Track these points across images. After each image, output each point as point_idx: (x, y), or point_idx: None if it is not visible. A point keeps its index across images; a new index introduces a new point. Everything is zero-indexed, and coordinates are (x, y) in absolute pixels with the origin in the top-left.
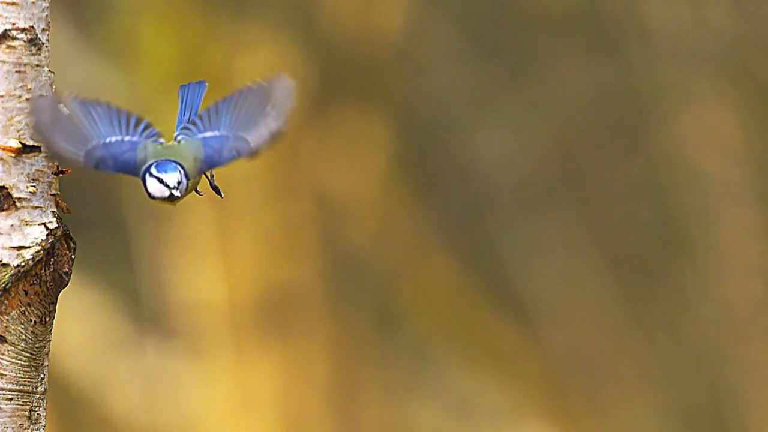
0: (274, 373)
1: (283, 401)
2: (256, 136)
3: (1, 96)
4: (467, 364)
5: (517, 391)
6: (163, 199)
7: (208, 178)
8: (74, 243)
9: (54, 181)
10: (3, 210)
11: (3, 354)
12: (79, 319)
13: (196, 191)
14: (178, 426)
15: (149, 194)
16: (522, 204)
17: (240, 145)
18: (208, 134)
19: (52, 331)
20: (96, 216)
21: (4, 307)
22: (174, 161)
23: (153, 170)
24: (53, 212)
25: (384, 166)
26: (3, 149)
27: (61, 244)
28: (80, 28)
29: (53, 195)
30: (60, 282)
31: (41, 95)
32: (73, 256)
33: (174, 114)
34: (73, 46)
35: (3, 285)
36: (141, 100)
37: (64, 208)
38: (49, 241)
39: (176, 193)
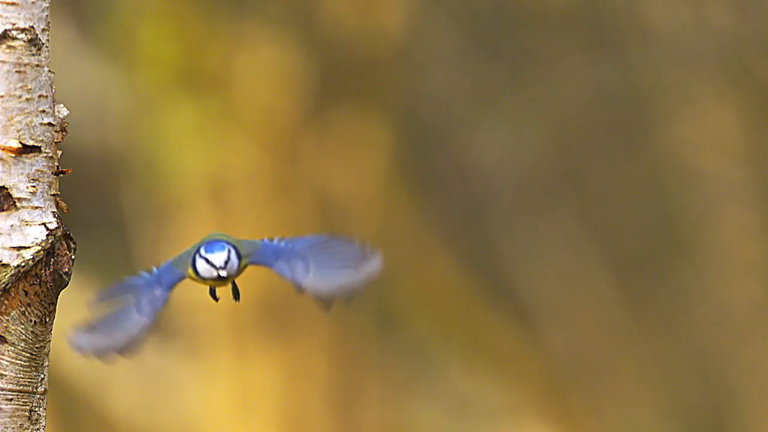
0: (274, 373)
1: (283, 401)
2: (316, 281)
3: (1, 96)
4: (467, 364)
5: (517, 391)
6: (213, 279)
7: (233, 282)
8: (74, 243)
9: (54, 181)
10: (3, 210)
11: (3, 354)
12: (79, 319)
13: (213, 296)
14: (178, 426)
15: (199, 275)
16: (522, 204)
17: (296, 271)
18: (274, 244)
19: (52, 332)
20: (96, 216)
21: (4, 307)
22: (224, 241)
23: (202, 251)
24: (53, 212)
25: (384, 166)
26: (3, 149)
27: (61, 245)
28: (80, 28)
29: (53, 195)
30: (60, 282)
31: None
32: (73, 257)
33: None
34: (73, 46)
35: (3, 285)
36: (141, 100)
37: (64, 208)
38: (49, 241)
39: (223, 273)
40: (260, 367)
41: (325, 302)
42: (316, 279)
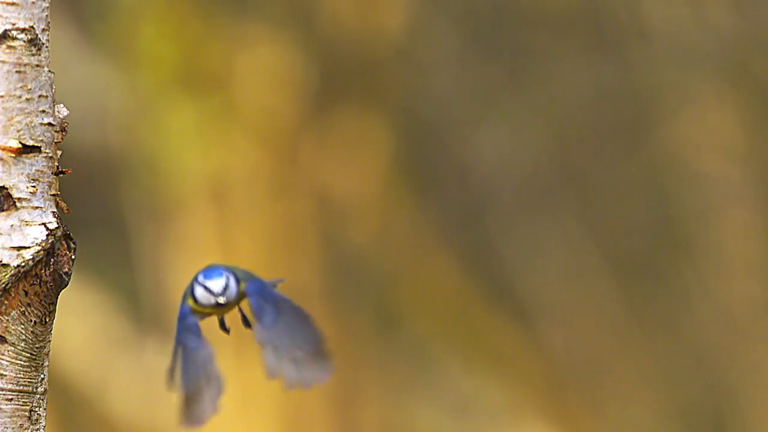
0: None
1: (283, 401)
2: (272, 341)
3: (1, 96)
4: (467, 364)
5: (517, 391)
6: (212, 306)
7: (241, 310)
8: (74, 243)
9: (54, 181)
10: (3, 210)
11: (3, 354)
12: (79, 319)
13: (223, 328)
14: (178, 426)
15: (198, 302)
16: (522, 204)
17: (264, 314)
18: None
19: (52, 332)
20: (96, 216)
21: (4, 307)
22: (221, 267)
23: (200, 278)
24: (53, 212)
25: (384, 166)
26: (3, 149)
27: (61, 245)
28: (80, 28)
29: (53, 195)
30: (60, 282)
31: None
32: (73, 257)
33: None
34: (73, 46)
35: (3, 285)
36: (141, 100)
37: (64, 208)
38: (49, 241)
39: (222, 300)
40: (260, 367)
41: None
42: (273, 338)
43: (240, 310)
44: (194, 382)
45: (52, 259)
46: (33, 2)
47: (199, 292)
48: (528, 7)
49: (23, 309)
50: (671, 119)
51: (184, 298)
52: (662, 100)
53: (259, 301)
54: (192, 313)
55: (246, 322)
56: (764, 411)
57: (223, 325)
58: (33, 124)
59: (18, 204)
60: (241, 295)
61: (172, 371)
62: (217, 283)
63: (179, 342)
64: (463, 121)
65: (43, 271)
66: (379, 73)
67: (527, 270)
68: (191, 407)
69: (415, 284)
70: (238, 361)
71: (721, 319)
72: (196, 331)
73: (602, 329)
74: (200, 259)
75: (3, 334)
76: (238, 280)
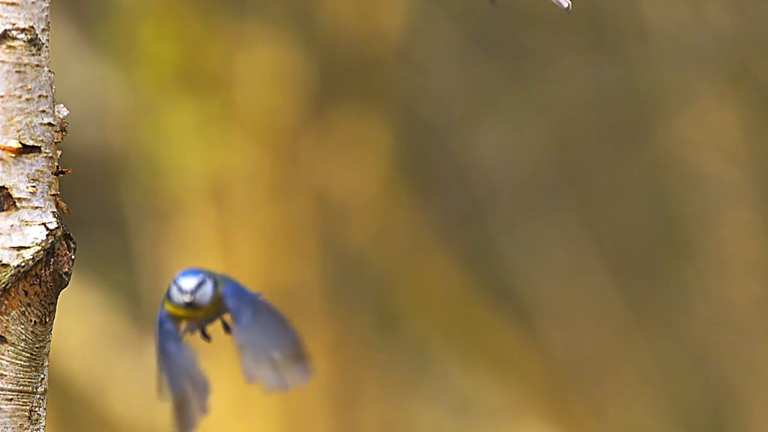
0: None
1: (283, 401)
2: (249, 346)
3: (1, 96)
4: (467, 364)
5: (517, 391)
6: (182, 307)
7: (222, 319)
8: (74, 243)
9: (54, 181)
10: (3, 210)
11: (3, 354)
12: (79, 319)
13: (204, 335)
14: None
15: (171, 301)
16: (522, 204)
17: (242, 316)
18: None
19: (52, 332)
20: (96, 216)
21: (4, 307)
22: (202, 270)
23: (177, 277)
24: (53, 212)
25: (384, 166)
26: (3, 149)
27: (61, 245)
28: (80, 28)
29: (53, 195)
30: (60, 282)
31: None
32: (73, 257)
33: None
34: (73, 46)
35: (3, 285)
36: (141, 100)
37: (64, 208)
38: (49, 241)
39: (188, 298)
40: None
41: (247, 374)
42: (251, 340)
43: (221, 318)
44: (180, 388)
45: (52, 259)
46: (33, 2)
47: (173, 290)
48: (528, 7)
49: (23, 309)
50: (671, 119)
51: (162, 303)
52: (662, 100)
53: (236, 302)
54: (169, 318)
55: (227, 328)
56: (764, 411)
57: (203, 332)
58: (33, 124)
59: (18, 204)
60: (218, 300)
61: (159, 379)
62: (189, 282)
63: (160, 349)
64: (463, 121)
65: (43, 271)
66: (379, 73)
67: (527, 270)
68: (182, 413)
69: (415, 284)
70: (238, 361)
71: (721, 319)
72: (175, 336)
73: (602, 329)
74: (200, 259)
75: (3, 334)
76: (216, 285)
